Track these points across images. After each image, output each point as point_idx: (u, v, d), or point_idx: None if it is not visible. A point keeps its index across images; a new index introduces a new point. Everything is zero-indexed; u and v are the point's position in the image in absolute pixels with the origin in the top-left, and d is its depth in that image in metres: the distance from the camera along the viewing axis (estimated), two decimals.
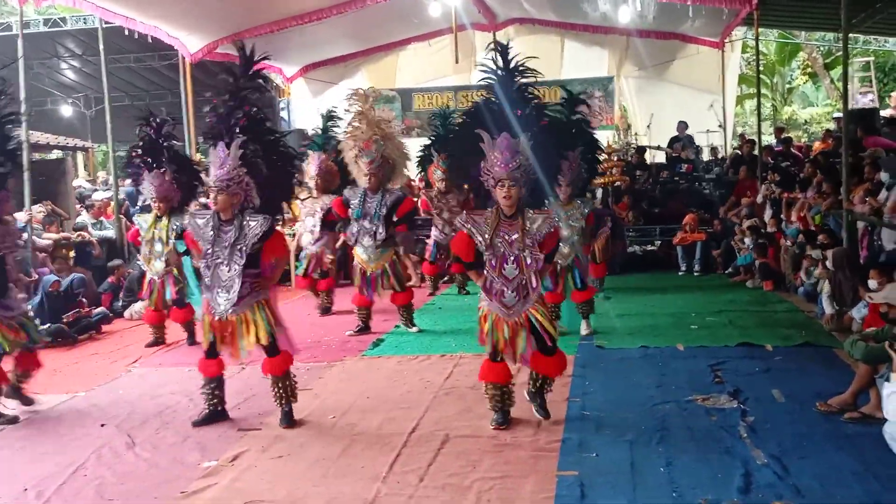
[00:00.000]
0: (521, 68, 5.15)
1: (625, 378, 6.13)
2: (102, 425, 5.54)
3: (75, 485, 4.52)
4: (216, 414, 5.53)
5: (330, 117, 10.03)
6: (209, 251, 5.27)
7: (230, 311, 5.24)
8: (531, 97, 5.20)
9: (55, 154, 17.95)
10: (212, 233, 5.25)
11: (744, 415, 5.13)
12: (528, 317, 4.98)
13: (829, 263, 7.77)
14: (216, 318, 5.28)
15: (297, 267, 9.88)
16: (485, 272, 5.09)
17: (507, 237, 4.99)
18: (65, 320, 8.42)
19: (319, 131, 9.86)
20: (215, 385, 5.53)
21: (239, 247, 5.20)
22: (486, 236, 5.00)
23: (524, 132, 4.94)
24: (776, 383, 5.76)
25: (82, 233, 10.96)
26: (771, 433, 4.78)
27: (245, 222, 5.23)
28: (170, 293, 7.79)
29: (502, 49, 5.20)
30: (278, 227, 5.53)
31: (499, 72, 5.17)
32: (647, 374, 6.21)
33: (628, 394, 5.66)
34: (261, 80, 5.57)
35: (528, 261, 4.96)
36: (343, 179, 10.05)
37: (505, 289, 5.00)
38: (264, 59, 5.57)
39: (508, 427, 5.09)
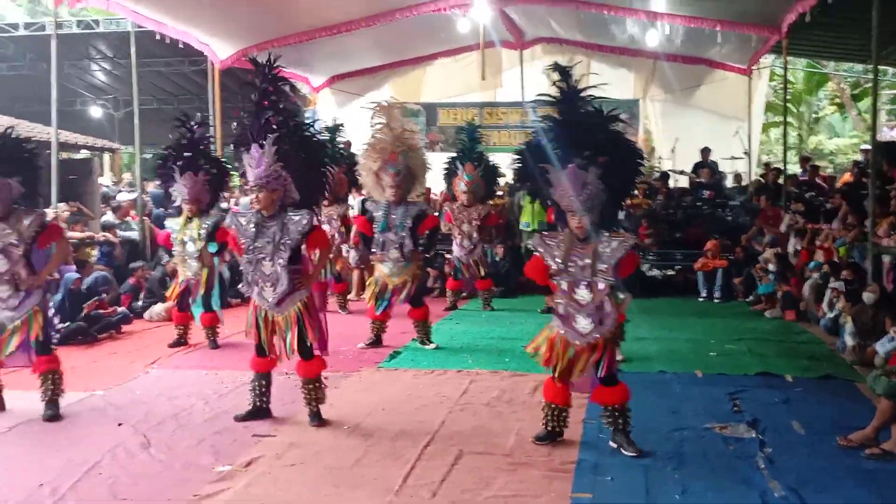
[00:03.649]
0: (583, 91, 4.91)
1: (642, 402, 6.02)
2: (119, 425, 5.57)
3: (89, 483, 4.54)
4: (260, 411, 5.66)
5: (335, 129, 10.40)
6: (251, 247, 5.39)
7: (276, 310, 5.36)
8: (600, 121, 4.94)
9: (83, 154, 18.15)
10: (254, 229, 5.38)
11: (762, 445, 5.07)
12: (594, 344, 4.85)
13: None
14: (263, 312, 5.41)
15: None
16: (554, 297, 4.98)
17: (579, 261, 4.84)
18: (85, 310, 8.48)
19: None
20: (263, 382, 5.67)
21: (283, 241, 5.33)
22: (559, 259, 4.89)
23: (593, 161, 4.74)
24: (796, 415, 5.70)
25: (106, 233, 11.06)
26: (789, 465, 4.72)
27: (288, 218, 5.37)
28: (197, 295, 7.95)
29: (564, 72, 4.92)
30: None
31: (563, 96, 4.93)
32: (665, 400, 6.16)
33: (645, 418, 5.58)
34: (284, 85, 5.64)
35: (601, 286, 4.79)
36: (349, 186, 10.43)
37: (578, 314, 4.85)
38: (279, 66, 5.56)
39: (547, 445, 5.06)
